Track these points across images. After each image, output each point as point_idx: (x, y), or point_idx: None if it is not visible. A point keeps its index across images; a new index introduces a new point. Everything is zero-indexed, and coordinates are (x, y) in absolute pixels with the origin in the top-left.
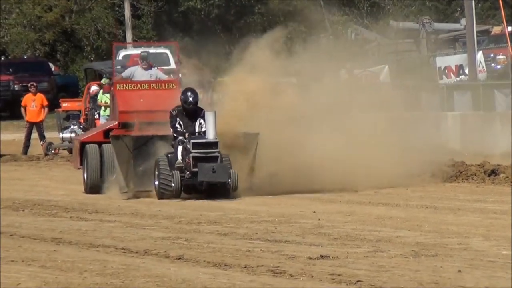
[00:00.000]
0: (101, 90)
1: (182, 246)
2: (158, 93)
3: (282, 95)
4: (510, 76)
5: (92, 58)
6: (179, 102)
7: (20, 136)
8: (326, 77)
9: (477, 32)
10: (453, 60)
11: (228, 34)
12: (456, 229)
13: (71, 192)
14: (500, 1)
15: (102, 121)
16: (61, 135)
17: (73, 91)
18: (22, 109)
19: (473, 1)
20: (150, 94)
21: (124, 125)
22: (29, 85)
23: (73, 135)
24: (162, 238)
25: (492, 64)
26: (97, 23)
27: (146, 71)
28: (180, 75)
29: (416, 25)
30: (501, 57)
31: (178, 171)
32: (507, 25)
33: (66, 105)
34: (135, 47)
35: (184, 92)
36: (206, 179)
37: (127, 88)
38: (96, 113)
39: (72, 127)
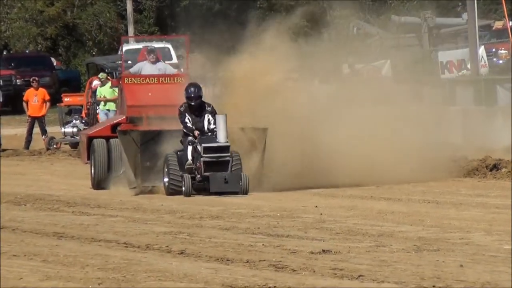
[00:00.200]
0: (99, 84)
1: (184, 240)
2: (166, 87)
3: (286, 90)
4: None
5: (94, 53)
6: None
7: (22, 130)
8: (328, 72)
9: (479, 26)
10: (455, 54)
11: (231, 28)
12: (458, 224)
13: (73, 186)
14: None
15: (101, 115)
16: (63, 129)
17: (75, 85)
18: (24, 104)
19: None
20: (158, 88)
21: (132, 120)
22: (31, 79)
23: (75, 129)
24: (164, 232)
25: (494, 59)
26: (99, 17)
27: (154, 64)
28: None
29: (418, 20)
30: (503, 51)
31: (188, 174)
32: (509, 20)
33: (68, 99)
34: (137, 41)
35: (186, 88)
36: (218, 190)
37: (135, 82)
38: (97, 107)
39: (74, 121)
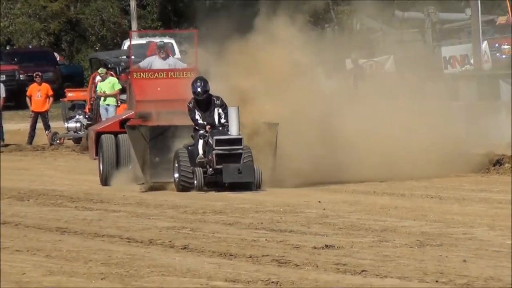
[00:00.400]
0: (100, 80)
1: (187, 236)
2: (175, 82)
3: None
4: None
5: (97, 48)
6: None
7: (25, 126)
8: (332, 67)
9: (482, 22)
10: (458, 50)
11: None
12: (461, 219)
13: (76, 181)
14: None
15: (101, 111)
16: (66, 125)
17: (78, 81)
18: (27, 99)
19: None
20: (167, 83)
21: (141, 115)
22: (34, 75)
23: (78, 125)
24: (167, 228)
25: (497, 54)
26: (102, 13)
27: (165, 60)
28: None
29: (421, 15)
30: (506, 47)
31: (200, 168)
32: None
33: (71, 95)
34: (140, 36)
35: (192, 83)
36: (232, 180)
37: (143, 76)
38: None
39: (77, 117)
